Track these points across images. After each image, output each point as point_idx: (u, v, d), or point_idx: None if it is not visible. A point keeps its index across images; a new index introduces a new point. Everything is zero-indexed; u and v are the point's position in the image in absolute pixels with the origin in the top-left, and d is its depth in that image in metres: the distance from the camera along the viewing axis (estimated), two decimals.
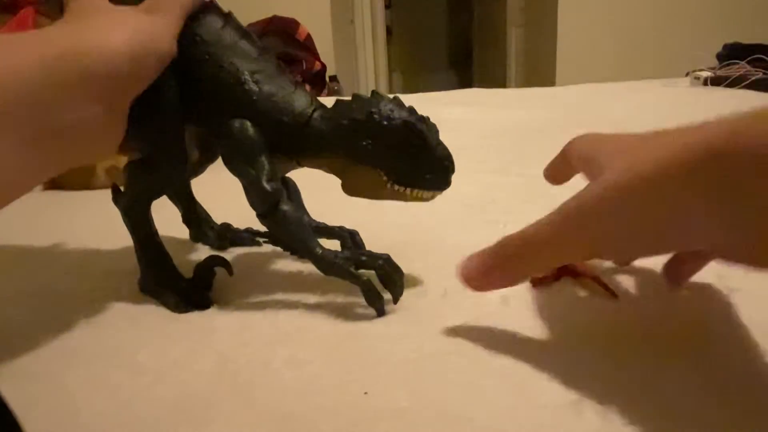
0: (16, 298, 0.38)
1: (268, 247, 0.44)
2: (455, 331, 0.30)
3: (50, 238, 0.48)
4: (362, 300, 0.32)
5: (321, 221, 0.41)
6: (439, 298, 0.35)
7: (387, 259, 0.34)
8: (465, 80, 4.13)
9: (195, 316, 0.34)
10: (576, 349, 0.28)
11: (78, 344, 0.31)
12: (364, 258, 0.33)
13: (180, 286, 0.35)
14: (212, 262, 0.36)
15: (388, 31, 3.56)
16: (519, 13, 3.14)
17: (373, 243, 0.42)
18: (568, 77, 2.47)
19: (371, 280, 0.32)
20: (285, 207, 0.33)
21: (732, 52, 1.33)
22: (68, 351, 0.30)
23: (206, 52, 0.33)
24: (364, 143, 0.33)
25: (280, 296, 0.36)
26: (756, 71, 1.20)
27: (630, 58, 2.60)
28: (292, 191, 0.40)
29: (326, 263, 0.33)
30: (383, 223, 0.48)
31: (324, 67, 2.19)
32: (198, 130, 0.36)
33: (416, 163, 0.33)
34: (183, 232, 0.45)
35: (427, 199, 0.35)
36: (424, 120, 0.33)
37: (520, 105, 1.15)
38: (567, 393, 0.24)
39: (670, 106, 1.09)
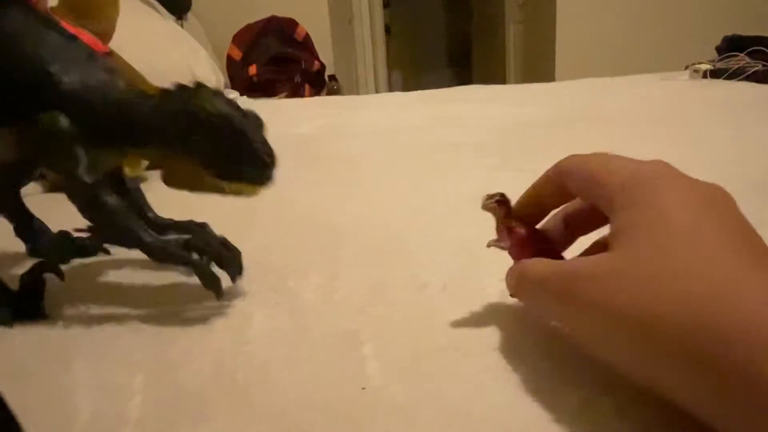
0: None
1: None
2: (454, 326, 0.30)
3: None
4: (359, 296, 0.32)
5: (170, 217, 0.40)
6: (438, 292, 0.35)
7: (219, 241, 0.33)
8: (464, 78, 4.12)
9: (194, 316, 0.34)
10: (576, 343, 0.28)
11: (76, 344, 0.31)
12: (195, 242, 0.33)
13: (5, 297, 0.34)
14: (40, 269, 0.35)
15: (387, 30, 3.55)
16: (518, 10, 3.13)
17: (371, 237, 0.42)
18: (568, 73, 2.46)
19: (205, 265, 0.32)
20: (106, 198, 0.32)
21: (731, 45, 1.33)
22: (66, 351, 0.30)
23: (7, 45, 0.32)
24: (183, 135, 0.32)
25: (279, 295, 0.36)
26: (755, 63, 1.19)
27: (629, 52, 2.59)
28: (132, 187, 0.39)
29: (157, 250, 0.32)
30: (382, 218, 0.48)
31: (323, 66, 2.19)
32: (11, 130, 0.33)
33: (235, 157, 0.32)
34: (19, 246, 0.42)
35: (248, 194, 0.33)
36: (246, 114, 0.32)
37: (519, 101, 1.15)
38: (566, 388, 0.24)
39: (670, 99, 1.08)
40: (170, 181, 0.34)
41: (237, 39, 2.12)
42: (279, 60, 2.05)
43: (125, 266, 0.40)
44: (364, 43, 3.04)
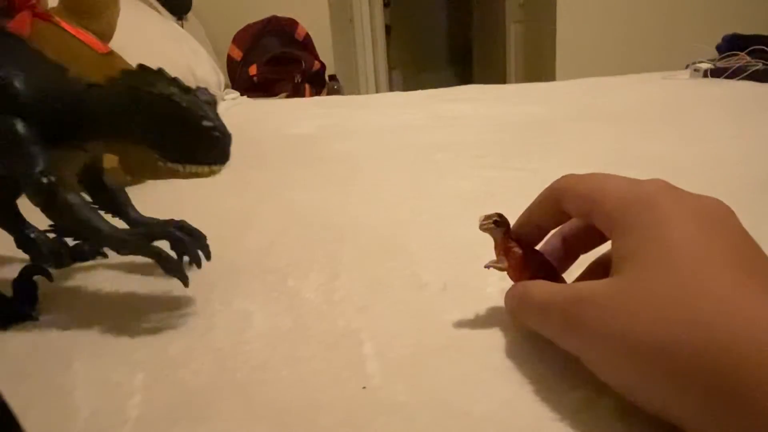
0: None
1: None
2: (454, 325, 0.30)
3: None
4: (359, 295, 0.32)
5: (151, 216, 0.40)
6: (438, 292, 0.34)
7: (180, 226, 0.33)
8: (465, 77, 4.12)
9: (194, 315, 0.34)
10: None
11: (76, 343, 0.31)
12: (156, 229, 0.33)
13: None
14: (29, 272, 0.35)
15: (387, 30, 3.56)
16: (518, 9, 3.13)
17: (371, 237, 0.42)
18: (568, 73, 2.46)
19: (164, 251, 0.32)
20: (64, 195, 0.31)
21: (732, 44, 1.33)
22: (66, 350, 0.30)
23: None
24: (130, 120, 0.31)
25: (279, 294, 0.36)
26: (756, 62, 1.19)
27: (630, 51, 2.59)
28: (113, 187, 0.39)
29: (116, 241, 0.32)
30: (382, 217, 0.48)
31: (323, 66, 2.19)
32: None
33: (183, 138, 0.31)
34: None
35: (205, 175, 0.32)
36: (190, 91, 0.31)
37: (519, 100, 1.15)
38: (566, 387, 0.24)
39: (671, 98, 1.08)
40: (129, 170, 0.34)
41: (237, 39, 2.13)
42: (279, 60, 2.05)
43: (126, 266, 0.40)
44: (365, 43, 3.04)
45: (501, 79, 3.24)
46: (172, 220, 0.38)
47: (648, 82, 1.26)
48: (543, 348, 0.27)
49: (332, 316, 0.32)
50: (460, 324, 0.30)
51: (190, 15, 1.95)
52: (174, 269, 0.32)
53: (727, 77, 1.20)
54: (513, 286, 0.29)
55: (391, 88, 3.50)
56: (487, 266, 0.31)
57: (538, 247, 0.31)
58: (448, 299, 0.33)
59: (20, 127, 0.32)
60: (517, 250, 0.30)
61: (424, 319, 0.31)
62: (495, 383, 0.25)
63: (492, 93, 1.29)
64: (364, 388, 0.25)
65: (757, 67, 1.17)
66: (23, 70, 0.33)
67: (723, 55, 1.30)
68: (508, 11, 3.20)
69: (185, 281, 0.33)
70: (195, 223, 0.38)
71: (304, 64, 2.07)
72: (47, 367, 0.29)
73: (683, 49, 1.62)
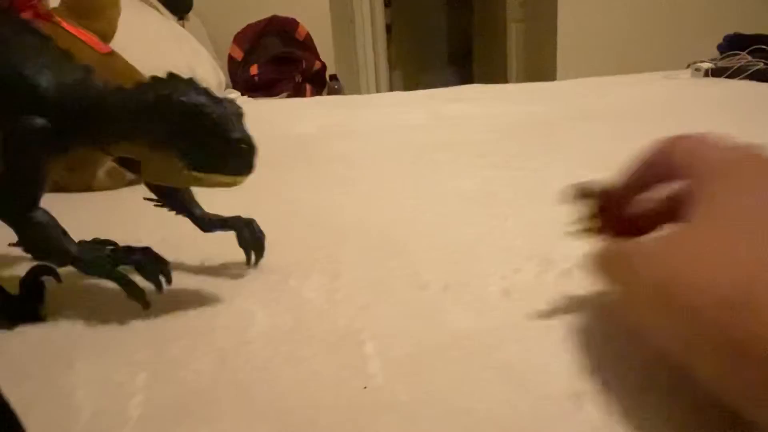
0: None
1: None
2: (456, 325, 0.30)
3: None
4: (360, 295, 0.32)
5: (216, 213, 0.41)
6: (440, 291, 0.34)
7: (144, 251, 0.34)
8: (466, 77, 4.12)
9: (196, 315, 0.34)
10: (576, 342, 0.28)
11: (77, 343, 0.31)
12: (121, 254, 0.33)
13: (4, 302, 0.34)
14: (37, 272, 0.35)
15: (388, 30, 3.55)
16: (518, 9, 3.13)
17: (372, 237, 0.42)
18: (569, 72, 2.46)
19: (127, 276, 0.33)
20: (35, 212, 0.32)
21: (733, 43, 1.33)
22: (68, 350, 0.30)
23: None
24: (157, 127, 0.31)
25: (280, 294, 0.36)
26: (757, 62, 1.19)
27: (631, 50, 2.59)
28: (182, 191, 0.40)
29: (83, 263, 0.32)
30: (383, 217, 0.48)
31: (324, 66, 2.19)
32: None
33: (211, 147, 0.31)
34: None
35: (229, 185, 0.32)
36: (221, 102, 0.31)
37: (520, 100, 1.15)
38: (567, 386, 0.24)
39: (672, 98, 1.08)
40: (150, 176, 0.34)
41: (238, 39, 2.13)
42: (280, 60, 2.05)
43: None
44: (365, 43, 3.03)
45: (502, 78, 3.23)
46: (239, 217, 0.39)
47: (649, 82, 1.26)
48: (545, 348, 0.27)
49: (333, 315, 0.32)
50: (462, 324, 0.30)
51: (190, 15, 1.95)
52: (137, 298, 0.33)
53: (728, 77, 1.20)
54: (603, 244, 0.29)
55: (391, 88, 3.50)
56: (575, 230, 0.31)
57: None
58: (449, 299, 0.33)
59: (36, 127, 0.31)
60: (610, 213, 0.30)
61: (425, 319, 0.31)
62: (496, 383, 0.25)
63: (493, 92, 1.29)
64: (365, 387, 0.25)
65: (759, 67, 1.17)
66: (49, 69, 0.33)
67: (724, 54, 1.30)
68: (509, 10, 3.19)
69: (146, 306, 0.33)
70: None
71: (304, 64, 2.07)
72: (49, 366, 0.29)
73: (684, 48, 1.62)
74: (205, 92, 0.31)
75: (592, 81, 1.33)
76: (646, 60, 2.25)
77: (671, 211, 0.29)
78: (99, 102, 0.33)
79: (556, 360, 0.26)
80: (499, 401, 0.24)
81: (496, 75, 3.35)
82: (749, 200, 0.22)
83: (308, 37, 2.18)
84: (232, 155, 0.31)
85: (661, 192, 0.30)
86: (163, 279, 0.34)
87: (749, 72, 1.16)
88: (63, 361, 0.29)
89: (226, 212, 0.45)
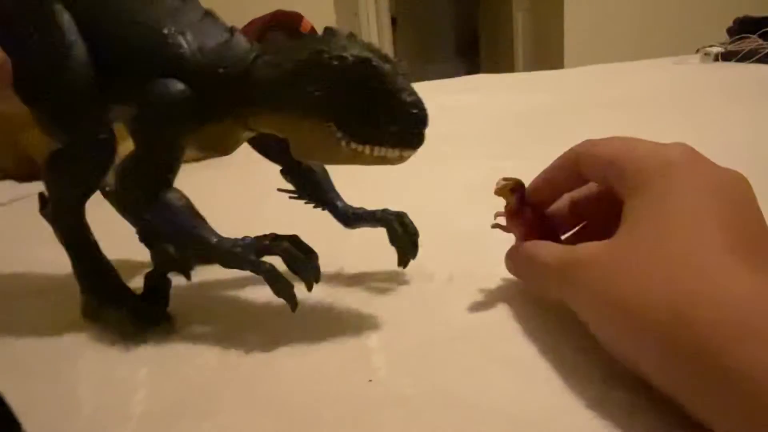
0: (19, 295, 0.38)
1: None
2: (461, 317, 0.30)
3: (51, 237, 0.48)
4: (364, 287, 0.32)
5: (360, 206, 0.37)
6: (444, 282, 0.34)
7: (294, 241, 0.29)
8: (472, 68, 4.09)
9: (198, 309, 0.33)
10: (581, 334, 0.27)
11: (79, 339, 0.31)
12: (267, 243, 0.28)
13: (130, 303, 0.31)
14: (165, 268, 0.32)
15: (393, 22, 3.53)
16: None
17: (378, 229, 0.41)
18: (577, 60, 2.43)
19: (275, 269, 0.28)
20: (168, 194, 0.28)
21: (743, 26, 1.30)
22: (69, 345, 0.30)
23: (115, 8, 0.29)
24: (309, 90, 0.26)
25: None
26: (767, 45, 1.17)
27: (638, 37, 2.56)
28: (316, 169, 0.35)
29: (222, 253, 0.28)
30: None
31: None
32: (124, 109, 0.30)
33: (376, 113, 0.26)
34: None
35: (393, 161, 0.27)
36: (388, 59, 0.26)
37: (528, 89, 1.14)
38: (572, 379, 0.24)
39: (681, 83, 1.07)
40: (300, 152, 0.29)
41: (243, 33, 2.12)
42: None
43: (128, 261, 0.40)
44: (371, 36, 3.02)
45: (509, 68, 3.21)
46: (387, 210, 0.35)
47: (658, 68, 1.24)
48: (552, 340, 0.27)
49: (337, 308, 0.32)
50: (467, 315, 0.30)
51: None
52: (285, 294, 0.28)
53: (739, 61, 1.18)
54: (517, 244, 0.30)
55: None
56: (493, 226, 0.32)
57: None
58: (454, 290, 0.33)
59: (178, 92, 0.28)
60: (527, 213, 0.30)
61: (430, 311, 0.31)
62: (502, 375, 0.25)
63: (499, 82, 1.28)
64: (369, 381, 0.25)
65: None
66: (191, 29, 0.29)
67: (734, 38, 1.28)
68: None
69: (294, 307, 0.28)
70: None
71: None
72: (51, 362, 0.29)
73: (693, 33, 1.59)
74: (368, 46, 0.26)
75: (600, 68, 1.32)
76: (654, 46, 2.22)
77: (577, 215, 0.31)
78: (242, 66, 0.28)
79: (560, 352, 0.26)
80: (505, 394, 0.23)
81: (503, 64, 3.32)
82: (670, 206, 0.22)
83: (313, 30, 2.17)
84: (404, 123, 0.26)
85: (564, 197, 0.31)
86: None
87: (760, 55, 1.14)
88: (65, 356, 0.29)
89: (230, 207, 0.45)
